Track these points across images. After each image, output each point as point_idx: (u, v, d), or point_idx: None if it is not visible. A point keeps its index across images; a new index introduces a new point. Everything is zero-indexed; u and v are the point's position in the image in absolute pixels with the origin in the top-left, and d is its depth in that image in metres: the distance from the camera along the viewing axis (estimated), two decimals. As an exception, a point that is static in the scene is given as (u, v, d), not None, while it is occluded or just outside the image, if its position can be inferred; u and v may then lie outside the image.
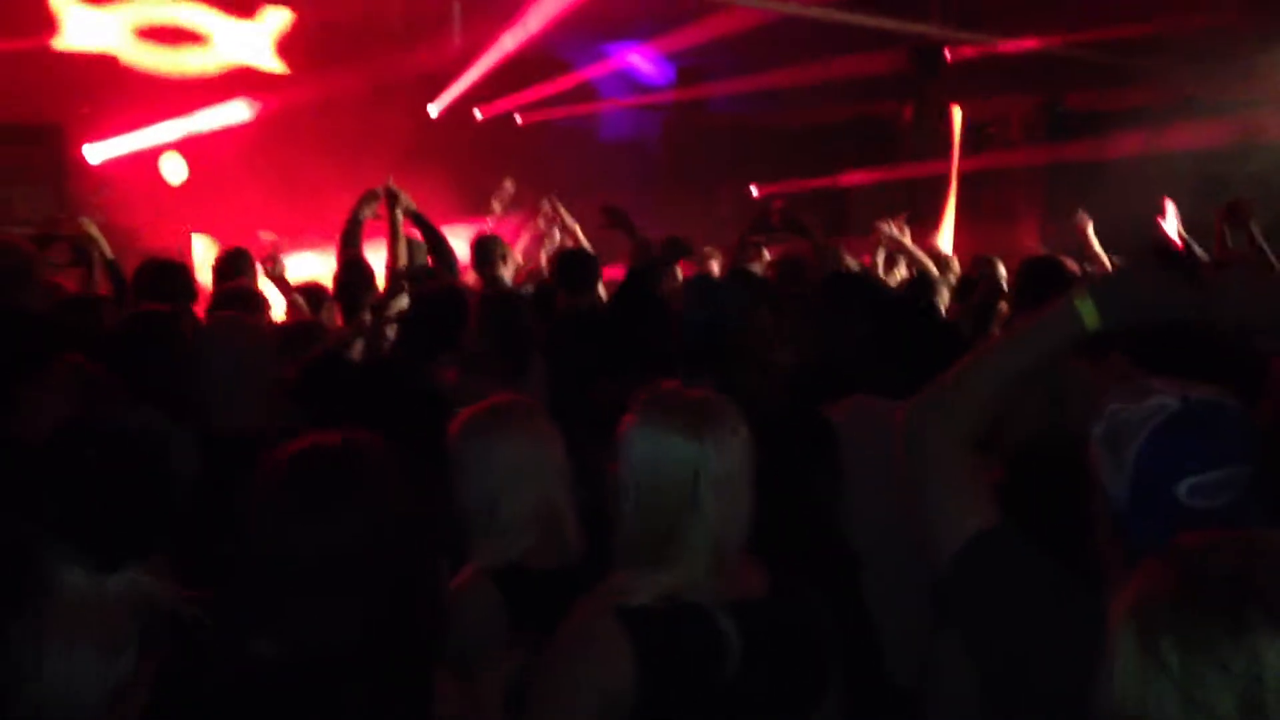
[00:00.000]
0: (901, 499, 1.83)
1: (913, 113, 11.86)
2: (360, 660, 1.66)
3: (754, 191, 10.99)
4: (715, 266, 7.05)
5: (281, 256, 6.10)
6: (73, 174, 9.46)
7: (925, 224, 7.72)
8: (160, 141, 10.01)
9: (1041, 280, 4.73)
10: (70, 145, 9.53)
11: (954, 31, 10.75)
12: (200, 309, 4.89)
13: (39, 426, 2.72)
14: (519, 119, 11.79)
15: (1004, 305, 5.66)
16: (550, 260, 6.50)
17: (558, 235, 7.14)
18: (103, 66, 9.76)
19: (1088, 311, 1.72)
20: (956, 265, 7.31)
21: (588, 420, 2.87)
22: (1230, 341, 2.96)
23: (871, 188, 11.30)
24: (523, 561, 2.41)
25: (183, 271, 5.12)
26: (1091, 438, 1.70)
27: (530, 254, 7.29)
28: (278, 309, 5.67)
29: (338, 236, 5.74)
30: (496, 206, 7.76)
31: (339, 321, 5.36)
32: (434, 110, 11.22)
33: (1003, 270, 6.26)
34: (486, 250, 6.04)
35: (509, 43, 10.65)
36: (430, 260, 5.74)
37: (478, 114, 11.52)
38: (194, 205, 10.03)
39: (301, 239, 8.34)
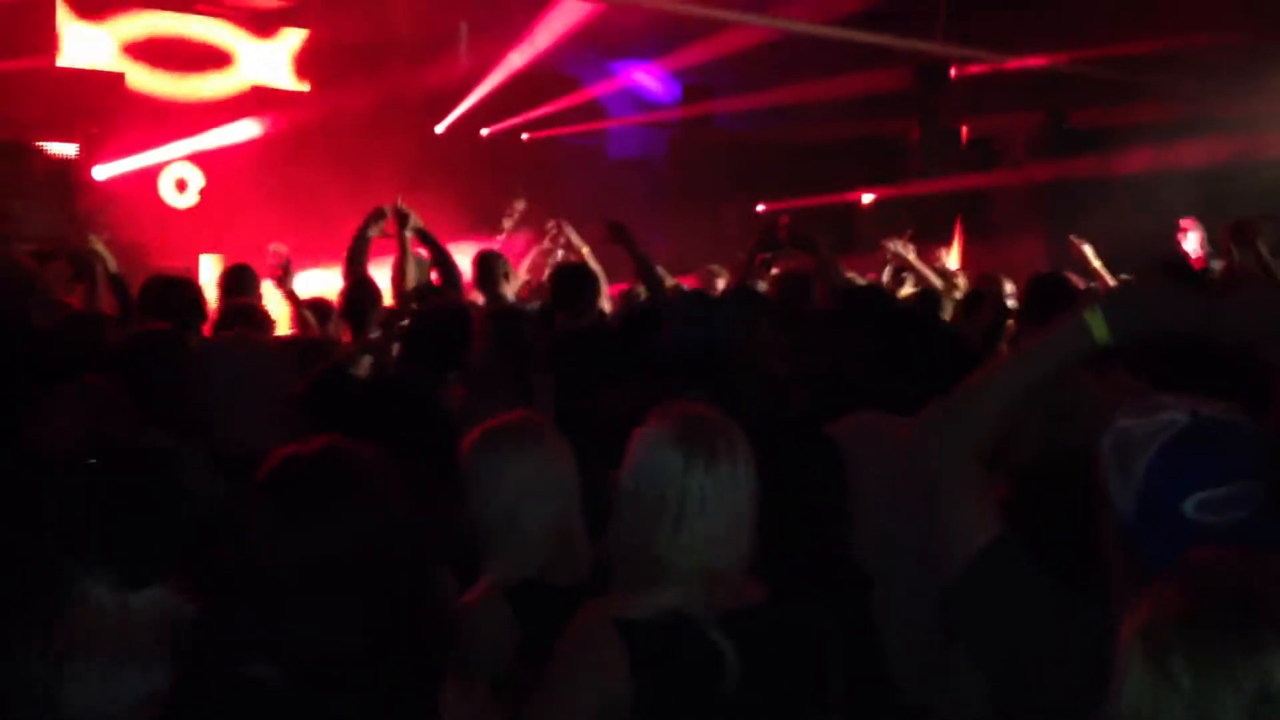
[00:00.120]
0: (907, 515, 1.83)
1: (918, 130, 11.88)
2: (360, 673, 1.65)
3: (760, 208, 11.01)
4: (721, 283, 7.05)
5: (292, 270, 6.09)
6: (81, 192, 9.49)
7: (931, 241, 7.73)
8: (168, 160, 10.05)
9: (1049, 297, 4.73)
10: (79, 163, 9.57)
11: (959, 49, 10.78)
12: (207, 326, 4.89)
13: (54, 444, 2.73)
14: (525, 137, 11.84)
15: (1011, 322, 5.65)
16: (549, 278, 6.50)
17: (561, 255, 7.15)
18: (112, 85, 9.82)
19: (1097, 325, 1.73)
20: (962, 282, 7.31)
21: (589, 435, 2.87)
22: (1236, 355, 2.95)
23: (877, 204, 11.32)
24: (536, 577, 2.41)
25: (189, 288, 5.13)
26: (1100, 452, 1.70)
27: (536, 271, 7.30)
28: (283, 324, 5.68)
29: (344, 254, 5.75)
30: (507, 224, 7.79)
31: (346, 338, 5.36)
32: (441, 128, 11.27)
33: (1009, 287, 6.26)
34: (489, 267, 6.05)
35: (515, 61, 10.70)
36: (436, 278, 5.75)
37: (484, 132, 11.56)
38: (201, 223, 10.07)
39: (309, 256, 8.36)
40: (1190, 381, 1.79)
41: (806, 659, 2.21)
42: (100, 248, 5.88)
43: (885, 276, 7.37)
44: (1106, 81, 10.50)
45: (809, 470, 2.75)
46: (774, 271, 6.95)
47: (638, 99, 13.24)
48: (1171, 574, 1.31)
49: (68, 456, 2.33)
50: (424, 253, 5.88)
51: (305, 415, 3.33)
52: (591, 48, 11.41)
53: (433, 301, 4.69)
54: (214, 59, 10.40)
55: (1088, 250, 6.79)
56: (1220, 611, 1.23)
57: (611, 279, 6.30)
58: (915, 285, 7.23)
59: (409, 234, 5.75)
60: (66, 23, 9.60)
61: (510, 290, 6.13)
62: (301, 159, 10.00)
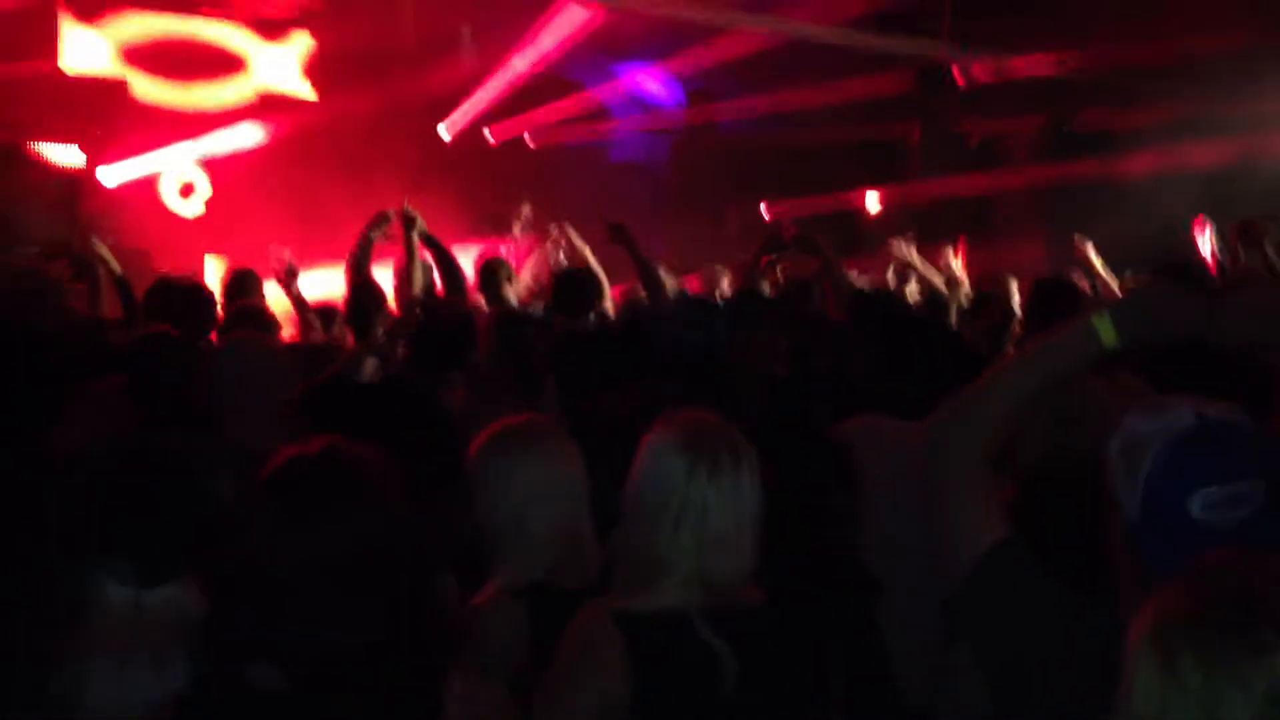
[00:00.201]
0: (912, 517, 1.84)
1: (920, 133, 11.88)
2: (361, 673, 1.65)
3: (763, 212, 11.01)
4: (725, 285, 7.06)
5: (299, 271, 6.09)
6: (85, 196, 9.51)
7: (934, 243, 7.74)
8: (173, 164, 10.06)
9: (1053, 300, 4.74)
10: (83, 167, 9.58)
11: (961, 52, 10.78)
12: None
13: (71, 446, 2.75)
14: (529, 141, 11.84)
15: (1016, 324, 5.67)
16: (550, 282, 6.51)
17: (564, 259, 7.16)
18: (115, 89, 9.83)
19: (1105, 329, 1.73)
20: (967, 284, 7.31)
21: (591, 438, 2.88)
22: (1238, 357, 2.96)
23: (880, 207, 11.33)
24: (545, 580, 2.42)
25: (197, 291, 5.13)
26: (1107, 455, 1.70)
27: (540, 276, 7.31)
28: (288, 326, 5.69)
29: (347, 258, 5.74)
30: (517, 231, 7.81)
31: (350, 342, 5.36)
32: (445, 132, 11.27)
33: (1015, 289, 6.27)
34: (492, 272, 6.05)
35: (519, 65, 10.70)
36: (441, 282, 5.75)
37: (488, 136, 11.57)
38: (206, 227, 10.08)
39: (312, 260, 8.37)
40: (1192, 383, 1.80)
41: (804, 661, 2.24)
42: (104, 251, 5.89)
43: (889, 278, 7.38)
44: (1109, 85, 10.49)
45: (814, 473, 2.76)
46: (778, 273, 6.97)
47: (641, 103, 13.25)
48: (1179, 576, 1.31)
49: (86, 454, 2.34)
50: (429, 257, 5.87)
51: (306, 417, 3.34)
52: (594, 52, 11.42)
53: (437, 305, 4.70)
54: (219, 65, 10.40)
55: (1090, 251, 6.80)
56: (1228, 613, 1.24)
57: (613, 280, 6.30)
58: (919, 287, 7.24)
59: (416, 237, 5.72)
60: (70, 27, 9.61)
61: (513, 294, 6.13)
62: (305, 163, 10.00)
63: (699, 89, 13.01)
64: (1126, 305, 1.78)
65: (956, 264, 7.38)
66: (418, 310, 4.72)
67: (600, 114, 12.65)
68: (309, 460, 1.73)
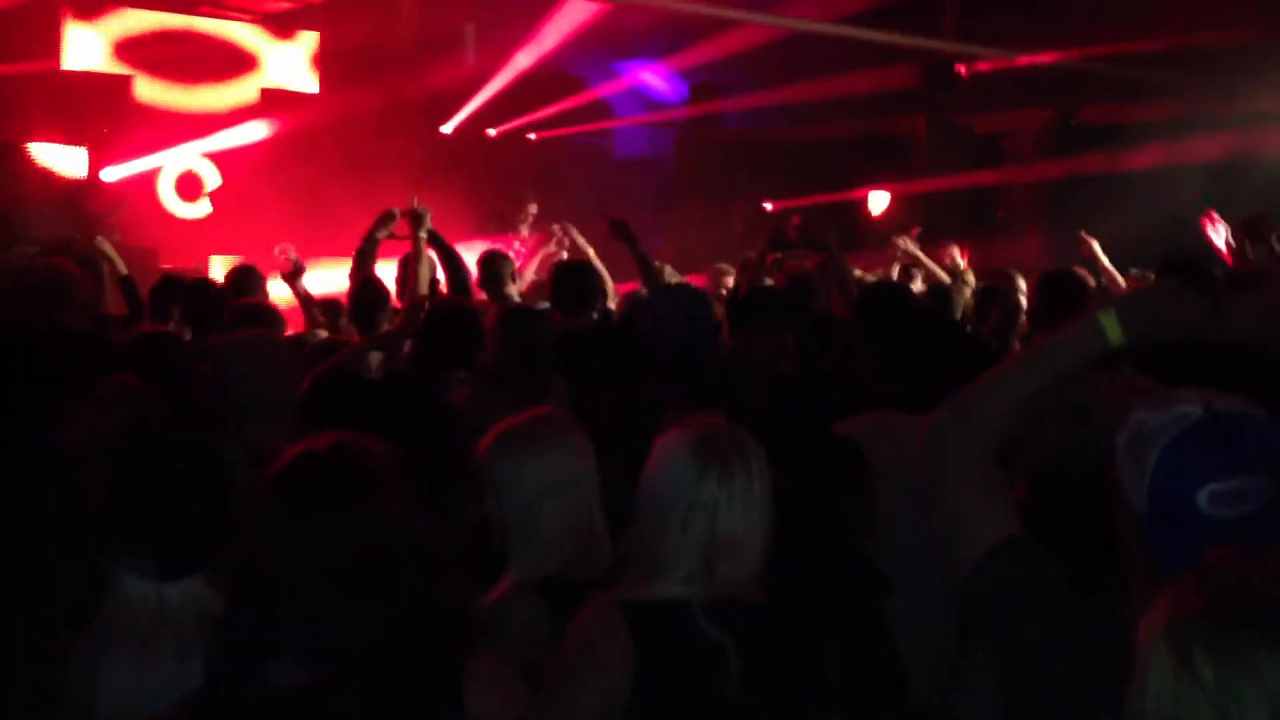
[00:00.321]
0: (922, 514, 1.83)
1: (926, 127, 11.87)
2: (381, 669, 1.65)
3: (768, 206, 11.00)
4: (730, 281, 7.06)
5: (304, 266, 6.08)
6: (89, 194, 9.51)
7: (939, 237, 7.73)
8: (176, 162, 10.07)
9: (1060, 295, 4.73)
10: (87, 166, 9.59)
11: (967, 46, 10.76)
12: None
13: (90, 442, 2.75)
14: (532, 137, 11.84)
15: (1023, 320, 5.66)
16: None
17: (566, 258, 7.16)
18: (119, 87, 9.83)
19: (1111, 327, 1.73)
20: (971, 278, 7.31)
21: (594, 435, 2.89)
22: (1243, 353, 2.95)
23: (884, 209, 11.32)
24: (560, 573, 2.43)
25: (200, 289, 5.13)
26: (1116, 448, 1.70)
27: (543, 274, 7.31)
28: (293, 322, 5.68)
29: (352, 255, 5.74)
30: (524, 229, 7.81)
31: (356, 339, 5.36)
32: (448, 129, 11.28)
33: (1022, 284, 6.26)
34: (494, 268, 6.04)
35: (522, 61, 10.70)
36: (446, 280, 5.74)
37: (491, 132, 11.57)
38: (210, 225, 10.09)
39: (317, 257, 8.38)
40: (1196, 380, 1.79)
41: (804, 660, 2.26)
42: (108, 248, 5.90)
43: (894, 273, 7.38)
44: (1115, 78, 10.47)
45: (820, 471, 2.76)
46: (783, 270, 6.96)
47: (644, 98, 13.25)
48: (1192, 572, 1.31)
49: (89, 453, 2.35)
50: (433, 255, 5.87)
51: (307, 413, 3.34)
52: (598, 48, 11.42)
53: (443, 303, 4.69)
54: (222, 65, 10.40)
55: (1096, 247, 6.79)
56: (1245, 608, 1.23)
57: (618, 279, 6.30)
58: (924, 282, 7.24)
59: (423, 235, 5.70)
60: (72, 26, 9.61)
61: (515, 291, 6.12)
62: (309, 160, 10.01)
63: (703, 84, 13.01)
64: (1133, 302, 1.77)
65: (961, 261, 7.38)
66: (423, 308, 4.70)
67: (604, 110, 12.65)
68: (320, 456, 1.72)
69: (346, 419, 2.03)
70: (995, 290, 6.26)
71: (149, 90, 10.00)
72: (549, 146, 11.93)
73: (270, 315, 4.81)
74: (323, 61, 10.84)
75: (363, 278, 5.53)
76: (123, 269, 5.86)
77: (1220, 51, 9.25)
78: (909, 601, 2.72)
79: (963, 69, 10.90)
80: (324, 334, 5.42)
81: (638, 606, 2.15)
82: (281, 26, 10.69)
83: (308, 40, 10.82)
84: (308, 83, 10.82)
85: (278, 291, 6.27)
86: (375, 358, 4.49)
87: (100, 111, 9.70)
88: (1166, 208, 7.92)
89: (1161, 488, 1.62)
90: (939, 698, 2.64)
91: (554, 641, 2.26)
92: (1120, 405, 1.75)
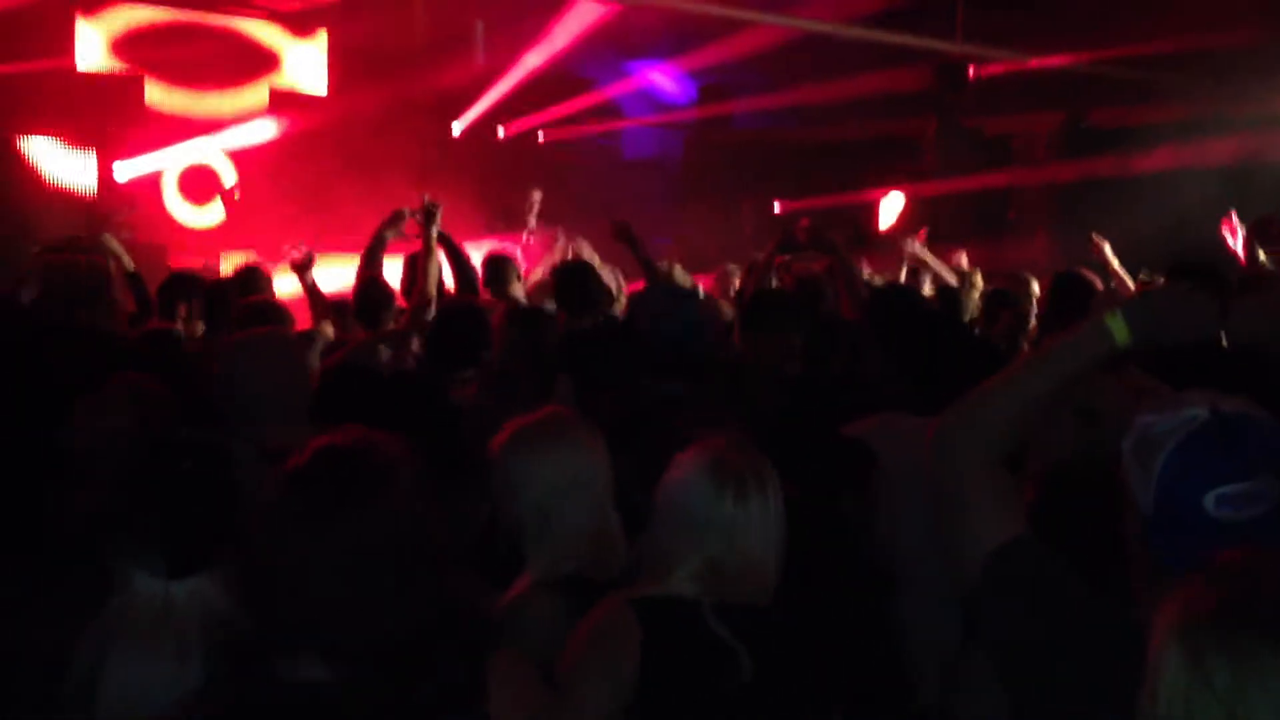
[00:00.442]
0: (930, 515, 1.84)
1: (936, 129, 11.85)
2: (402, 663, 1.65)
3: (777, 208, 11.00)
4: (737, 283, 7.05)
5: (315, 257, 6.07)
6: (99, 192, 9.54)
7: (948, 238, 7.73)
8: (186, 160, 10.09)
9: (1070, 297, 4.72)
10: (99, 163, 9.62)
11: (978, 48, 10.74)
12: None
13: (95, 440, 2.76)
14: (541, 137, 11.84)
15: (1034, 322, 5.65)
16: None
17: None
18: (129, 86, 9.85)
19: (1118, 329, 1.73)
20: (980, 280, 7.30)
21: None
22: (1247, 354, 2.95)
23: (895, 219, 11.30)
24: (577, 572, 2.44)
25: (208, 287, 5.13)
26: (1122, 451, 1.70)
27: (547, 274, 7.31)
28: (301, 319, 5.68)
29: (360, 253, 5.74)
30: (531, 221, 7.80)
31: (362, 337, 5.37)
32: (457, 129, 11.28)
33: (1035, 288, 6.25)
34: (499, 269, 6.04)
35: (531, 61, 10.71)
36: (453, 280, 5.74)
37: (500, 132, 11.57)
38: (220, 223, 10.11)
39: (325, 254, 8.38)
40: (1201, 381, 1.79)
41: (806, 660, 2.29)
42: (116, 246, 5.90)
43: (902, 275, 7.36)
44: (1126, 81, 10.45)
45: (823, 473, 2.76)
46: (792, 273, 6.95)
47: (653, 99, 13.24)
48: (1201, 574, 1.31)
49: (93, 452, 2.35)
50: (441, 254, 5.86)
51: (315, 410, 3.34)
52: (607, 48, 11.42)
53: (450, 301, 4.69)
54: (234, 67, 10.40)
55: (1108, 250, 6.77)
56: (1257, 610, 1.24)
57: (627, 279, 6.30)
58: (933, 284, 7.22)
59: (434, 234, 5.67)
60: (83, 25, 9.64)
61: (520, 291, 6.12)
62: (318, 159, 10.02)
63: (712, 85, 13.00)
64: (1140, 304, 1.77)
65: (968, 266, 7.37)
66: (430, 307, 4.71)
67: (613, 110, 12.65)
68: (343, 451, 1.72)
69: (355, 415, 2.03)
70: (1005, 294, 6.25)
71: (159, 90, 10.01)
72: (558, 147, 11.93)
73: (279, 313, 4.81)
74: (332, 60, 10.85)
75: (368, 276, 5.53)
76: (130, 265, 5.86)
77: (1230, 54, 9.22)
78: (917, 602, 2.72)
79: (973, 71, 10.88)
80: (330, 330, 5.42)
81: (649, 603, 2.19)
82: (297, 25, 10.68)
83: (322, 38, 10.82)
84: (320, 81, 10.82)
85: (286, 284, 6.27)
86: (385, 354, 4.49)
87: (110, 109, 9.72)
88: (1176, 210, 7.90)
89: (1168, 491, 1.62)
90: (940, 697, 2.64)
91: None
92: (1127, 407, 1.75)
